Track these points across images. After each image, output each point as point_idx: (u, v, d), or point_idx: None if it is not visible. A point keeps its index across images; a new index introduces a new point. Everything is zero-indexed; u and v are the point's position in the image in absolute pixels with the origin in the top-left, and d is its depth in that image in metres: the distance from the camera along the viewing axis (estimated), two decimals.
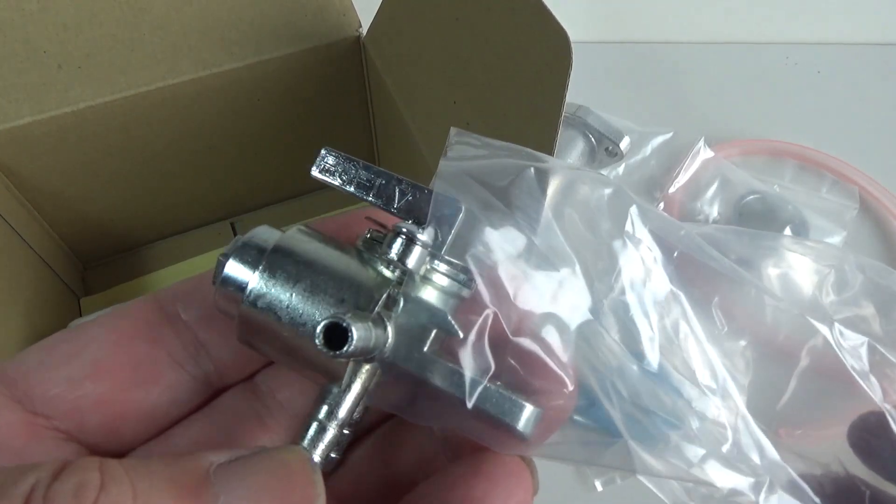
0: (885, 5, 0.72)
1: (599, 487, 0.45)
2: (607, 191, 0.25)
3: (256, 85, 0.47)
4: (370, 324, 0.18)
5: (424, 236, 0.19)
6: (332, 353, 0.16)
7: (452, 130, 0.23)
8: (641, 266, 0.25)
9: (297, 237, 0.21)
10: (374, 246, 0.20)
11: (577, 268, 0.23)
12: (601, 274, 0.24)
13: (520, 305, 0.20)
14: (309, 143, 0.54)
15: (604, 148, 0.57)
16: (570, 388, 0.20)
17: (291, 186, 0.57)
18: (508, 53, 0.34)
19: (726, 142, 0.63)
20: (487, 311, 0.20)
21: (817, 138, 0.63)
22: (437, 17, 0.40)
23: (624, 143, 0.57)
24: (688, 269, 0.26)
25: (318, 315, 0.19)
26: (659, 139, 0.63)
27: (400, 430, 0.23)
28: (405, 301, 0.19)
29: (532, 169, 0.23)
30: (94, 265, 0.55)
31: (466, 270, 0.20)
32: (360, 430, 0.23)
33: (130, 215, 0.52)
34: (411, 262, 0.19)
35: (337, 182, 0.21)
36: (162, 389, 0.22)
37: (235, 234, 0.56)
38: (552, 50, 0.30)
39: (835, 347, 0.25)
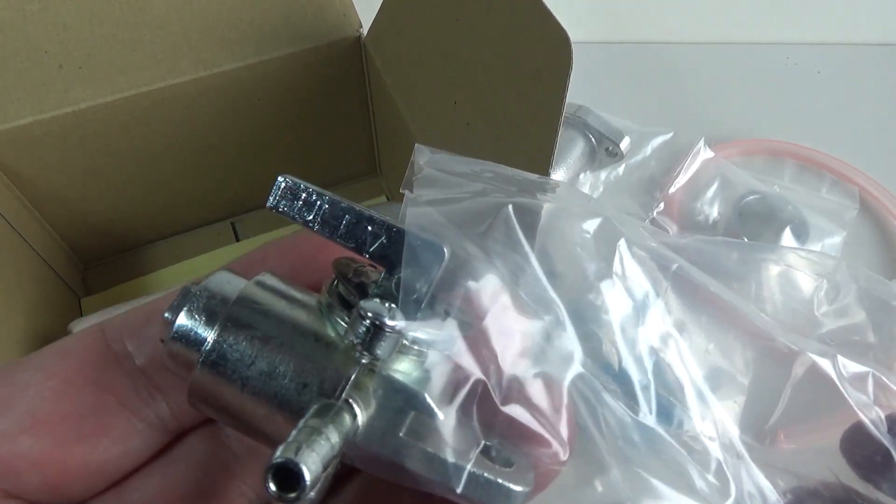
0: (885, 5, 0.72)
1: (599, 488, 0.45)
2: (593, 225, 0.23)
3: (256, 85, 0.47)
4: (328, 432, 0.15)
5: (397, 321, 0.16)
6: (287, 497, 0.14)
7: (416, 151, 0.20)
8: (632, 307, 0.23)
9: (257, 298, 0.18)
10: (342, 303, 0.18)
11: (566, 317, 0.21)
12: (591, 320, 0.22)
13: (507, 367, 0.18)
14: (309, 143, 0.54)
15: (604, 148, 0.57)
16: (564, 458, 0.19)
17: None
18: (508, 53, 0.34)
19: (726, 142, 0.63)
20: (474, 379, 0.18)
21: (817, 138, 0.63)
22: (437, 17, 0.40)
23: (624, 143, 0.57)
24: (685, 287, 0.25)
25: (277, 399, 0.17)
26: (659, 139, 0.63)
27: (380, 483, 0.20)
28: (378, 382, 0.17)
29: (510, 207, 0.21)
30: (94, 265, 0.55)
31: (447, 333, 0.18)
32: (343, 474, 0.20)
33: (131, 215, 0.52)
34: (383, 351, 0.16)
35: (297, 219, 0.18)
36: (111, 441, 0.19)
37: (236, 234, 0.56)
38: (552, 50, 0.30)
39: (833, 377, 0.25)
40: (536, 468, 0.18)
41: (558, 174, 0.56)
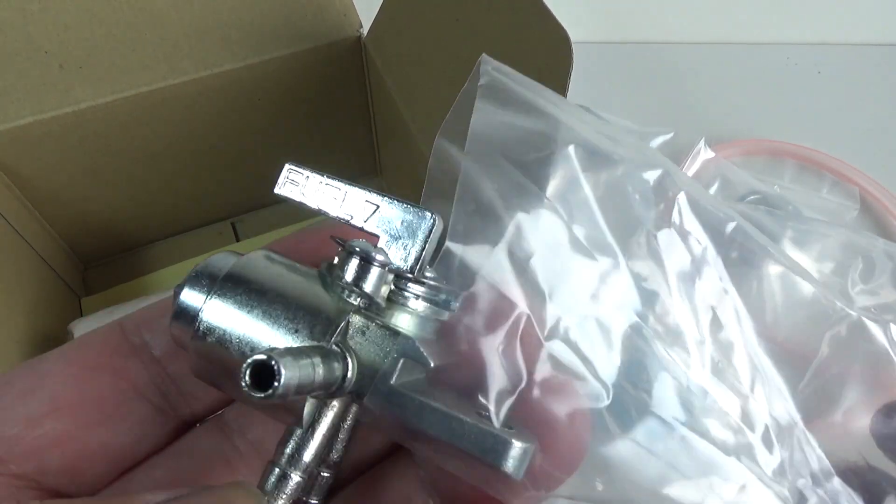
0: (885, 5, 0.72)
1: (600, 487, 0.45)
2: (654, 175, 0.22)
3: (257, 85, 0.47)
4: (314, 359, 0.16)
5: (381, 256, 0.17)
6: (259, 395, 0.14)
7: (483, 60, 0.21)
8: (690, 261, 0.22)
9: (253, 262, 0.19)
10: (339, 268, 0.18)
11: (623, 262, 0.20)
12: (646, 270, 0.21)
13: (555, 306, 0.18)
14: (309, 143, 0.54)
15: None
16: (608, 401, 0.18)
17: None
18: (508, 53, 0.34)
19: (727, 142, 0.63)
20: (519, 312, 0.17)
21: (817, 138, 0.63)
22: (437, 17, 0.40)
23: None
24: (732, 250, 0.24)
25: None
26: (659, 139, 0.62)
27: (386, 476, 0.21)
28: (368, 329, 0.17)
29: (572, 148, 0.20)
30: (94, 265, 0.55)
31: (447, 290, 0.18)
32: (348, 470, 0.21)
33: (131, 215, 0.52)
34: (368, 285, 0.17)
35: (302, 199, 0.19)
36: (129, 426, 0.20)
37: (236, 234, 0.56)
38: (552, 50, 0.30)
39: (885, 342, 0.24)
40: (573, 418, 0.18)
41: (558, 174, 0.56)
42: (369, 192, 0.19)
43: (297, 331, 0.17)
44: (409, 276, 0.18)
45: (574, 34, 0.29)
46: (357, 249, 0.17)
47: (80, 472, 0.19)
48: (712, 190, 0.59)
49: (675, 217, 0.22)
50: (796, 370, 0.25)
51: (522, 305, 0.18)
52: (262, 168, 0.54)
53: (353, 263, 0.17)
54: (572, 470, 0.18)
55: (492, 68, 0.20)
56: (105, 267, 0.55)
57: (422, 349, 0.17)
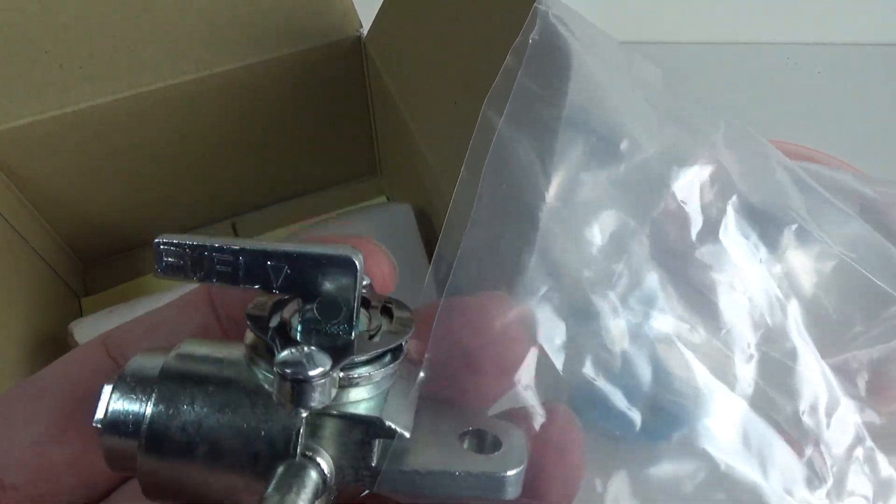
0: (886, 5, 0.72)
1: (599, 488, 0.45)
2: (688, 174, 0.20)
3: (256, 85, 0.47)
4: (298, 492, 0.15)
5: (318, 370, 0.15)
6: None
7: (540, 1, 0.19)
8: (742, 271, 0.22)
9: (177, 375, 0.17)
10: (268, 350, 0.16)
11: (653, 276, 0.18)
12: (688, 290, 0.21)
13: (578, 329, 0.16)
14: (309, 143, 0.54)
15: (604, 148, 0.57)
16: None
17: (291, 186, 0.57)
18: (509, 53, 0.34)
19: None
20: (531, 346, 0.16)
21: (817, 138, 0.63)
22: (437, 17, 0.40)
23: (624, 144, 0.57)
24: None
25: (232, 477, 0.16)
26: None
27: None
28: (326, 425, 0.16)
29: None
30: (94, 265, 0.55)
31: (396, 331, 0.17)
32: None
33: (131, 215, 0.52)
34: (315, 402, 0.15)
35: (191, 278, 0.16)
36: None
37: (236, 234, 0.56)
38: None
39: None
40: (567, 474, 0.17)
41: (558, 174, 0.56)
42: (269, 247, 0.16)
43: (256, 454, 0.16)
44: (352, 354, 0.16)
45: None
46: (288, 373, 0.14)
47: (96, 486, 0.19)
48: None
49: (724, 227, 0.21)
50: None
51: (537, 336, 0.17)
52: (262, 168, 0.54)
53: (289, 386, 0.14)
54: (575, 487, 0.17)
55: (551, 14, 0.18)
56: (105, 267, 0.55)
57: (390, 425, 0.16)
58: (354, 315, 0.16)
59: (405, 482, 0.16)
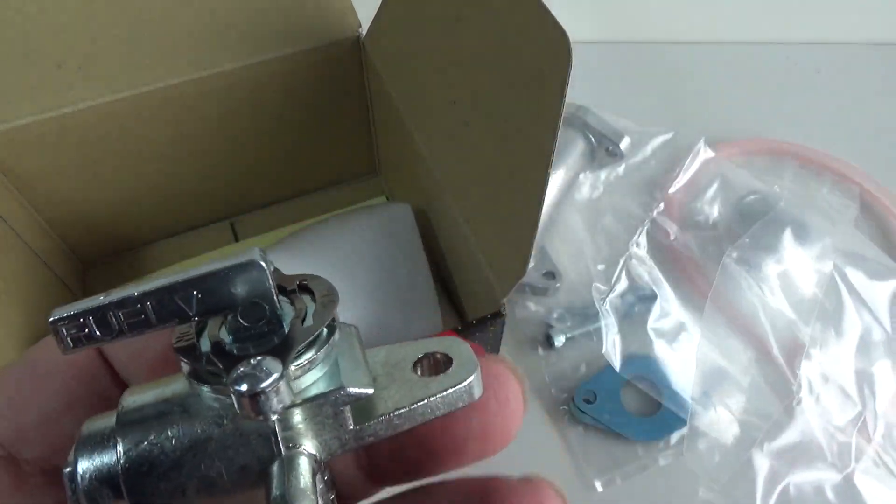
0: (886, 4, 0.72)
1: (600, 488, 0.45)
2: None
3: (256, 85, 0.47)
4: (307, 497, 0.15)
5: (271, 378, 0.14)
6: None
7: None
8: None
9: (136, 427, 0.16)
10: (210, 375, 0.16)
11: None
12: None
13: None
14: (309, 143, 0.54)
15: (604, 148, 0.57)
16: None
17: (291, 186, 0.57)
18: (508, 53, 0.34)
19: (726, 142, 0.63)
20: None
21: (817, 138, 0.63)
22: (437, 17, 0.40)
23: (624, 143, 0.57)
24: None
25: (231, 495, 0.16)
26: (659, 139, 0.63)
27: None
28: (296, 415, 0.16)
29: None
30: (94, 265, 0.55)
31: (322, 314, 0.17)
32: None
33: (130, 215, 0.52)
34: (276, 407, 0.15)
35: (105, 341, 0.16)
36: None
37: (235, 234, 0.56)
38: (552, 50, 0.30)
39: None
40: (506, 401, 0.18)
41: (558, 174, 0.56)
42: (171, 281, 0.16)
43: (244, 467, 0.16)
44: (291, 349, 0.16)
45: (574, 34, 0.29)
46: (243, 389, 0.14)
47: None
48: (712, 190, 0.59)
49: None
50: None
51: None
52: (261, 168, 0.54)
53: (247, 403, 0.14)
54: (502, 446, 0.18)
55: None
56: (104, 267, 0.55)
57: (354, 391, 0.16)
58: (278, 308, 0.16)
59: (384, 428, 0.17)
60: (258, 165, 0.54)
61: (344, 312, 0.17)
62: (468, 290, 0.45)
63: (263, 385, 0.14)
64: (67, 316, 0.15)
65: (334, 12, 0.47)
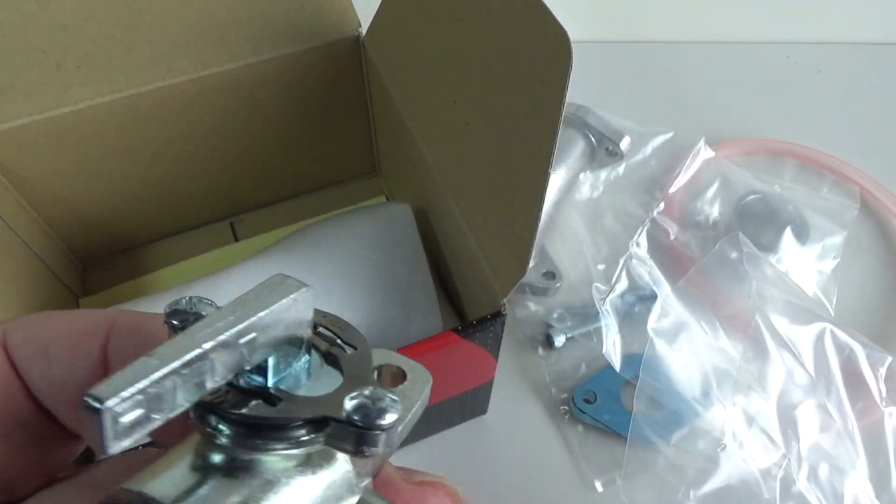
0: (886, 4, 0.72)
1: (600, 488, 0.45)
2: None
3: (256, 85, 0.47)
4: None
5: (395, 413, 0.13)
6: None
7: None
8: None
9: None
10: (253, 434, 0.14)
11: None
12: None
13: None
14: (309, 143, 0.54)
15: (604, 148, 0.57)
16: None
17: (291, 186, 0.57)
18: (508, 53, 0.34)
19: (727, 141, 0.63)
20: None
21: (817, 138, 0.63)
22: (437, 17, 0.40)
23: (624, 143, 0.57)
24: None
25: None
26: (659, 139, 0.63)
27: None
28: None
29: None
30: (93, 265, 0.55)
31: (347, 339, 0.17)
32: None
33: (130, 215, 0.52)
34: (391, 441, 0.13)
35: (146, 438, 0.12)
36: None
37: (235, 234, 0.56)
38: (552, 50, 0.30)
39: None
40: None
41: (558, 174, 0.56)
42: (235, 329, 0.13)
43: None
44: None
45: (574, 34, 0.29)
46: (386, 423, 0.13)
47: (18, 488, 0.19)
48: (712, 190, 0.59)
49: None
50: None
51: None
52: (261, 168, 0.54)
53: (379, 438, 0.13)
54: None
55: None
56: (104, 267, 0.55)
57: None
58: (305, 342, 0.15)
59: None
60: (258, 165, 0.54)
61: (344, 312, 0.17)
62: (468, 290, 0.45)
63: (388, 415, 0.13)
64: (126, 397, 0.11)
65: (334, 12, 0.47)
